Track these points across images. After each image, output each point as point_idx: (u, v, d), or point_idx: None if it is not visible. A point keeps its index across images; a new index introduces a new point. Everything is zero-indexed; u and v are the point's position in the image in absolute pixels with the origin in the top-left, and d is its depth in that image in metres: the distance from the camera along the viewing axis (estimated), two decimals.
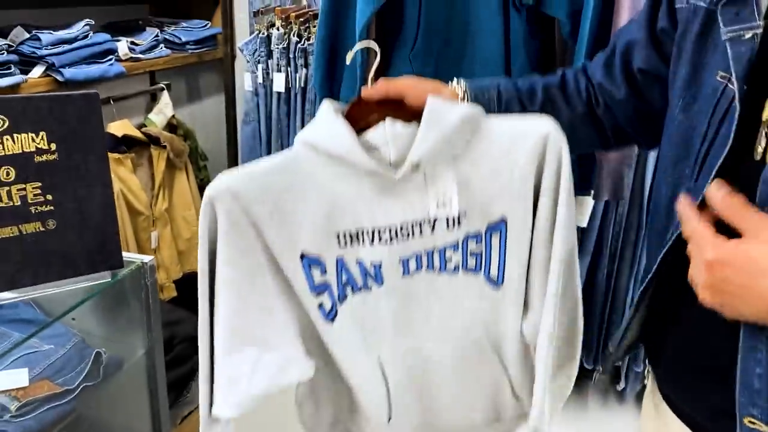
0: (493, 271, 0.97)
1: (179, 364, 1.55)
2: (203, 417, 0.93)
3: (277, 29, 2.20)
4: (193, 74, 2.67)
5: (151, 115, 2.30)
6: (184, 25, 2.46)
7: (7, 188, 0.99)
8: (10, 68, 1.69)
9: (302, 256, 0.90)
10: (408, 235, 0.93)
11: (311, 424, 1.07)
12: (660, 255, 0.82)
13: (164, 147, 2.18)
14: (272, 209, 0.88)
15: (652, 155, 2.00)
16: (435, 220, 0.92)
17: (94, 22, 1.99)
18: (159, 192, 2.21)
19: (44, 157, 1.01)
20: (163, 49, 2.31)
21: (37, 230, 1.02)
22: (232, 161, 2.54)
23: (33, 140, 1.00)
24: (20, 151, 0.99)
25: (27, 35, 1.80)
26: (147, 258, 1.17)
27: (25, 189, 1.00)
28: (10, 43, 1.74)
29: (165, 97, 2.30)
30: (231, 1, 2.35)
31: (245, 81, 2.29)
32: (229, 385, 0.90)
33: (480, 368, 1.03)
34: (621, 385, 2.23)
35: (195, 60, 2.48)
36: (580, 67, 1.01)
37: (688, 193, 0.76)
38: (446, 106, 0.89)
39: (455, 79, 0.98)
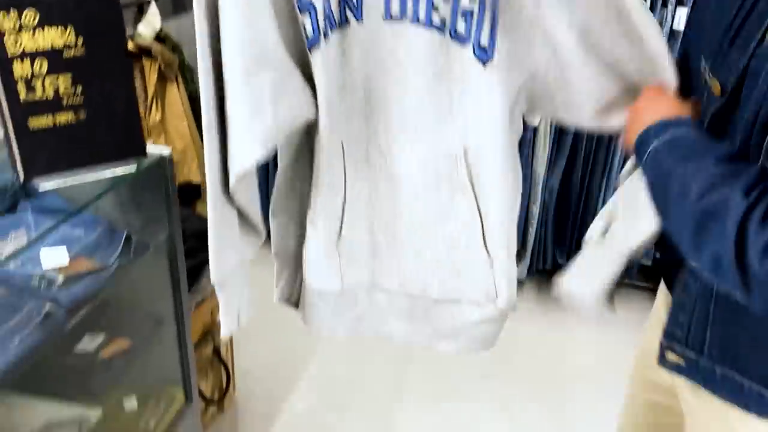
0: (484, 39, 0.86)
1: (189, 257, 1.66)
2: (213, 184, 0.87)
3: None
4: None
5: (139, 27, 2.32)
6: None
7: (41, 80, 1.07)
8: None
9: None
10: None
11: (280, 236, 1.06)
12: None
13: (155, 59, 2.23)
14: None
15: None
16: None
17: None
18: (152, 103, 2.27)
19: (72, 53, 1.08)
20: None
21: (70, 121, 1.11)
22: None
23: (61, 35, 1.07)
24: (50, 46, 1.06)
25: None
26: (166, 150, 1.27)
27: (57, 81, 1.08)
28: None
29: (153, 8, 2.32)
30: None
31: None
32: (253, 114, 0.84)
33: (448, 198, 0.95)
34: None
35: None
36: None
37: (710, 66, 0.80)
38: None
39: None
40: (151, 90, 2.25)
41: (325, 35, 0.87)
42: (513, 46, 0.85)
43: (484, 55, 0.86)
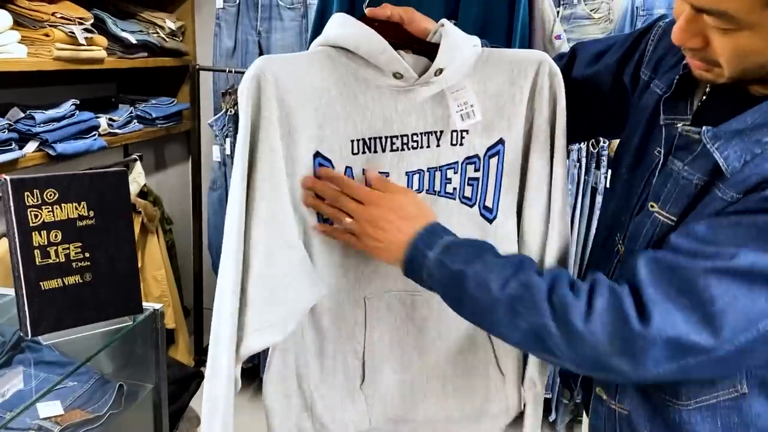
0: (488, 201, 1.04)
1: (170, 404, 1.74)
2: (228, 360, 0.87)
3: None
4: (160, 146, 2.91)
5: None
6: (153, 102, 2.71)
7: (55, 248, 1.21)
8: (11, 144, 1.90)
9: (316, 155, 0.95)
10: (417, 144, 0.99)
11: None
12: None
13: (139, 213, 2.40)
14: (303, 102, 0.91)
15: None
16: (441, 133, 1.00)
17: (79, 102, 2.21)
18: None
19: (84, 222, 1.24)
20: (136, 124, 2.55)
21: (77, 282, 1.24)
22: (197, 225, 2.77)
23: (76, 209, 1.23)
24: (66, 217, 1.22)
25: (22, 114, 2.02)
26: (158, 305, 1.40)
27: (68, 248, 1.22)
28: (9, 122, 1.95)
29: (138, 168, 2.53)
30: (198, 82, 2.63)
31: (213, 153, 2.54)
32: (271, 300, 0.89)
33: (465, 331, 1.07)
34: (552, 417, 2.52)
35: (163, 133, 2.72)
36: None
37: (622, 238, 0.98)
38: (458, 30, 0.97)
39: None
40: None
41: None
42: (515, 201, 1.05)
43: (489, 213, 1.06)
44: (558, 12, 2.34)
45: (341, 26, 0.95)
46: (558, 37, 1.53)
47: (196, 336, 2.92)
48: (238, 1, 2.75)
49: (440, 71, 0.96)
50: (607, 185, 2.16)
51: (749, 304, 0.74)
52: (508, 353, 1.12)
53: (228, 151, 2.49)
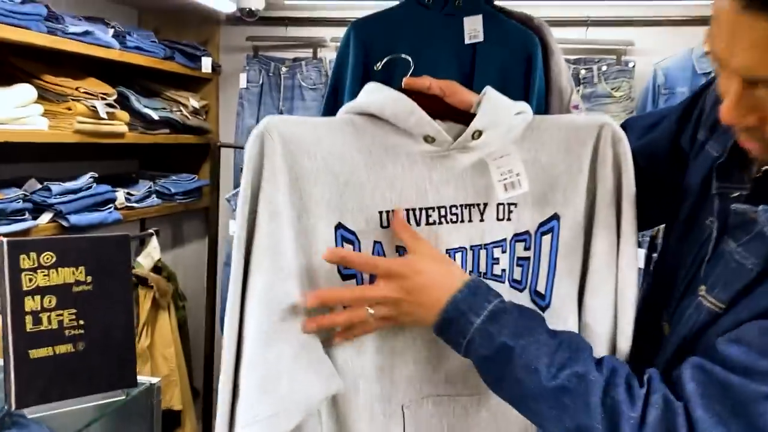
0: (540, 285, 0.91)
1: None
2: None
3: None
4: (178, 221, 2.90)
5: (139, 258, 2.48)
6: (174, 178, 2.72)
7: (48, 314, 1.16)
8: (24, 214, 1.89)
9: (338, 226, 0.84)
10: (456, 217, 0.88)
11: None
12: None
13: (151, 288, 2.35)
14: (321, 167, 0.83)
15: None
16: (485, 206, 0.88)
17: (97, 175, 2.22)
18: (143, 330, 2.34)
19: (81, 288, 1.19)
20: (155, 198, 2.55)
21: (68, 351, 1.18)
22: (211, 303, 2.71)
23: (73, 273, 1.18)
24: (62, 282, 1.17)
25: (39, 186, 2.02)
26: (155, 379, 1.32)
27: (62, 315, 1.17)
28: (25, 193, 1.95)
29: (154, 242, 2.50)
30: (219, 159, 2.64)
31: (229, 227, 2.52)
32: (264, 388, 0.79)
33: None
34: None
35: (182, 209, 2.72)
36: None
37: (674, 310, 0.87)
38: (502, 96, 0.88)
39: None
40: (143, 317, 2.33)
41: None
42: (573, 287, 0.91)
43: (541, 300, 0.91)
44: (578, 90, 2.33)
45: (368, 93, 0.88)
46: (576, 107, 1.49)
47: (204, 420, 2.80)
48: (261, 82, 2.81)
49: (479, 134, 0.85)
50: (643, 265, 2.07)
51: None
52: None
53: None
